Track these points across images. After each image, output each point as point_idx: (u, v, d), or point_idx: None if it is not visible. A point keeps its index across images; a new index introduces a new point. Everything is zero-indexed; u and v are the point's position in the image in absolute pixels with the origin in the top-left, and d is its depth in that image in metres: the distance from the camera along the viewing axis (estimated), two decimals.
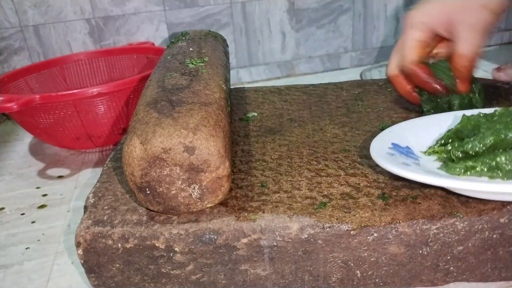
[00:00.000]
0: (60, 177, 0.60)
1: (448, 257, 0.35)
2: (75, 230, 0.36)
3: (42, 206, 0.54)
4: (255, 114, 0.54)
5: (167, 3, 0.81)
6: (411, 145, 0.41)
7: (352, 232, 0.34)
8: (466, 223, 0.34)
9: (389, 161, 0.37)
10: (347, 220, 0.34)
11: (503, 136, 0.35)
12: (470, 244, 0.35)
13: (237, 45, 0.88)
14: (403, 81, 0.50)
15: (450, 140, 0.40)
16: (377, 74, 0.79)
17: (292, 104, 0.56)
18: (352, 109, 0.53)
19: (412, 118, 0.49)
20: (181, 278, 0.36)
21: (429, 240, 0.34)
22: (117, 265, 0.36)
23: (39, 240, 0.48)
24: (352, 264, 0.35)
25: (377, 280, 0.36)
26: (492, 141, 0.36)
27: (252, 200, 0.37)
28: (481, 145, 0.36)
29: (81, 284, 0.41)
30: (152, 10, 0.81)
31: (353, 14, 0.91)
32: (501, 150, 0.35)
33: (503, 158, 0.35)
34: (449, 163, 0.37)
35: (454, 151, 0.37)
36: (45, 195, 0.56)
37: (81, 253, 0.35)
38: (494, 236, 0.35)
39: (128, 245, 0.35)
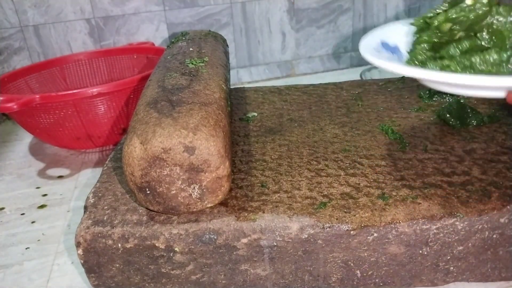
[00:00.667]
0: (60, 177, 0.60)
1: (448, 257, 0.35)
2: (75, 230, 0.36)
3: (42, 206, 0.54)
4: (255, 114, 0.54)
5: (167, 3, 0.81)
6: (400, 45, 0.41)
7: (352, 232, 0.34)
8: (466, 223, 0.34)
9: (373, 55, 0.37)
10: (347, 220, 0.34)
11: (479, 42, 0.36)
12: (470, 244, 0.35)
13: (237, 45, 0.88)
14: None
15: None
16: (377, 74, 0.79)
17: (292, 104, 0.56)
18: (352, 109, 0.53)
19: (412, 118, 0.50)
20: (181, 278, 0.36)
21: (429, 240, 0.34)
22: (117, 265, 0.36)
23: (39, 240, 0.48)
24: (352, 264, 0.35)
25: (377, 280, 0.36)
26: (468, 46, 0.36)
27: (252, 200, 0.37)
28: (457, 50, 0.37)
29: (81, 284, 0.41)
30: (152, 10, 0.81)
31: (353, 14, 0.91)
32: (475, 50, 0.36)
33: (477, 59, 0.35)
34: (426, 62, 0.38)
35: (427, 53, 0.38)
36: (45, 195, 0.56)
37: (81, 253, 0.35)
38: (494, 236, 0.35)
39: (128, 245, 0.35)
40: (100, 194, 0.40)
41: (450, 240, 0.35)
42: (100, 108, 0.58)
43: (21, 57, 0.79)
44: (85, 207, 0.38)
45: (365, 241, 0.34)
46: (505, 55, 0.34)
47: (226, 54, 0.57)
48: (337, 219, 0.34)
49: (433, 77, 0.32)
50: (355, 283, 0.36)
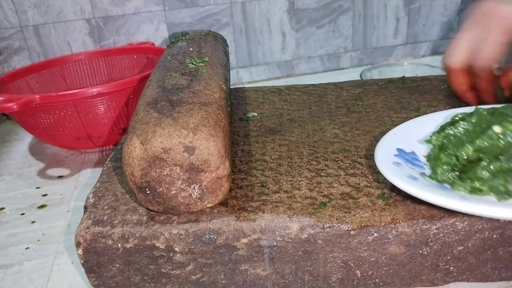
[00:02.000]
0: (60, 177, 0.60)
1: (448, 257, 0.35)
2: (75, 230, 0.36)
3: (42, 206, 0.54)
4: (255, 114, 0.54)
5: (167, 3, 0.81)
6: (416, 149, 0.40)
7: (352, 232, 0.34)
8: (466, 223, 0.34)
9: (396, 173, 0.35)
10: (347, 220, 0.34)
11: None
12: (470, 244, 0.35)
13: (237, 45, 0.88)
14: (462, 78, 0.47)
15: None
16: (377, 74, 0.79)
17: (292, 104, 0.56)
18: (352, 109, 0.53)
19: (411, 117, 0.49)
20: (181, 278, 0.36)
21: (429, 240, 0.34)
22: (117, 265, 0.36)
23: (39, 240, 0.48)
24: (352, 264, 0.35)
25: (377, 280, 0.36)
26: (497, 168, 0.34)
27: (252, 200, 0.37)
28: (486, 172, 0.35)
29: (81, 284, 0.41)
30: (152, 10, 0.81)
31: (353, 14, 0.91)
32: (510, 174, 0.34)
33: None
34: (454, 180, 0.36)
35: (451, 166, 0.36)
36: (45, 195, 0.56)
37: (81, 253, 0.35)
38: (494, 236, 0.35)
39: (128, 245, 0.35)
40: (100, 194, 0.40)
41: (450, 240, 0.35)
42: (100, 108, 0.58)
43: (21, 57, 0.79)
44: (85, 207, 0.38)
45: (365, 241, 0.34)
46: None
47: (226, 54, 0.57)
48: (337, 219, 0.34)
49: (478, 211, 0.31)
50: (355, 283, 0.36)
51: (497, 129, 0.35)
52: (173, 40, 0.59)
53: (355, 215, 0.35)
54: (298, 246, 0.35)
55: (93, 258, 0.36)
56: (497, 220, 0.34)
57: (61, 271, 0.43)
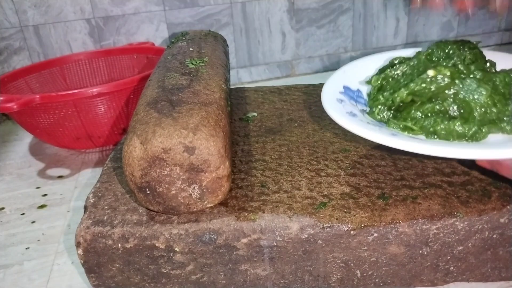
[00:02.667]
0: (60, 177, 0.60)
1: (448, 257, 0.35)
2: (75, 230, 0.36)
3: (42, 206, 0.54)
4: (255, 114, 0.54)
5: (167, 3, 0.81)
6: (362, 88, 0.42)
7: (352, 232, 0.34)
8: (466, 223, 0.34)
9: (337, 109, 0.38)
10: (347, 220, 0.34)
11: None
12: (470, 244, 0.35)
13: (237, 45, 0.88)
14: None
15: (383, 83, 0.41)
16: None
17: (292, 104, 0.56)
18: None
19: None
20: (181, 278, 0.36)
21: (429, 240, 0.34)
22: (117, 265, 0.36)
23: (39, 240, 0.48)
24: (352, 264, 0.35)
25: (377, 280, 0.36)
26: (430, 110, 0.37)
27: (252, 200, 0.37)
28: (419, 113, 0.37)
29: (81, 284, 0.41)
30: (152, 10, 0.81)
31: (353, 14, 0.91)
32: (440, 116, 0.36)
33: (442, 127, 0.35)
34: (389, 119, 0.38)
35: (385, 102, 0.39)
36: (45, 195, 0.56)
37: (81, 253, 0.35)
38: (494, 236, 0.35)
39: (128, 245, 0.35)
40: (100, 194, 0.40)
41: (450, 240, 0.35)
42: (100, 108, 0.58)
43: (21, 57, 0.79)
44: (85, 207, 0.38)
45: (365, 241, 0.34)
46: (470, 130, 0.35)
47: (226, 54, 0.57)
48: (337, 219, 0.34)
49: (402, 146, 0.32)
50: (355, 283, 0.36)
51: (430, 73, 0.37)
52: (173, 40, 0.59)
53: (355, 215, 0.35)
54: (298, 246, 0.35)
55: (93, 258, 0.36)
56: (497, 220, 0.34)
57: (61, 271, 0.43)
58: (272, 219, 0.35)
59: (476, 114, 0.35)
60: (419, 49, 0.45)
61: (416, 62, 0.40)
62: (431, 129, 0.36)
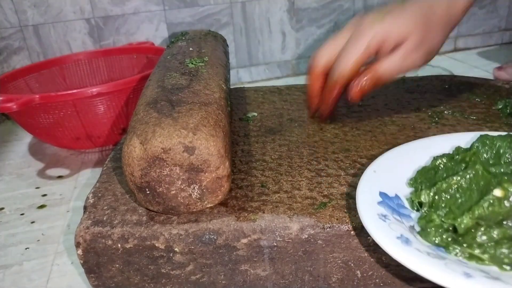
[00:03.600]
0: (60, 177, 0.60)
1: None
2: (74, 230, 0.36)
3: (41, 206, 0.54)
4: (255, 114, 0.54)
5: (167, 3, 0.81)
6: (399, 191, 0.35)
7: (352, 232, 0.34)
8: None
9: (385, 233, 0.30)
10: (347, 220, 0.34)
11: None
12: None
13: (237, 45, 0.88)
14: (316, 82, 0.46)
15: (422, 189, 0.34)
16: None
17: (292, 104, 0.56)
18: (352, 109, 0.53)
19: (411, 118, 0.49)
20: (181, 279, 0.36)
21: None
22: (117, 265, 0.36)
23: (38, 240, 0.48)
24: (352, 265, 0.35)
25: (377, 280, 0.36)
26: (499, 236, 0.30)
27: (252, 200, 0.37)
28: (486, 238, 0.30)
29: (81, 284, 0.41)
30: (152, 10, 0.81)
31: (353, 14, 0.91)
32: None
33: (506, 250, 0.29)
34: (449, 247, 0.31)
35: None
36: (44, 195, 0.56)
37: (81, 253, 0.35)
38: None
39: (127, 245, 0.35)
40: (99, 194, 0.40)
41: None
42: (100, 108, 0.57)
43: (21, 57, 0.79)
44: (85, 207, 0.38)
45: (365, 241, 0.34)
46: None
47: (226, 54, 0.57)
48: (337, 219, 0.34)
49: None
50: (355, 283, 0.36)
51: (498, 193, 0.30)
52: (173, 40, 0.59)
53: (355, 215, 0.34)
54: (298, 246, 0.35)
55: (93, 258, 0.36)
56: None
57: (61, 271, 0.43)
58: (272, 219, 0.35)
59: None
60: (460, 135, 0.39)
61: (473, 175, 0.33)
62: (506, 259, 0.29)
